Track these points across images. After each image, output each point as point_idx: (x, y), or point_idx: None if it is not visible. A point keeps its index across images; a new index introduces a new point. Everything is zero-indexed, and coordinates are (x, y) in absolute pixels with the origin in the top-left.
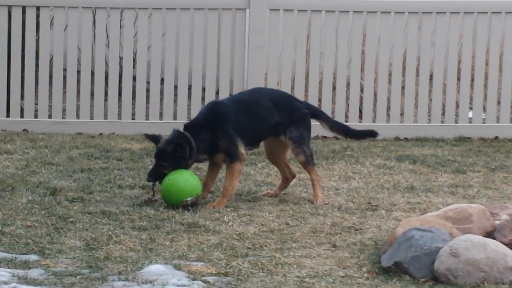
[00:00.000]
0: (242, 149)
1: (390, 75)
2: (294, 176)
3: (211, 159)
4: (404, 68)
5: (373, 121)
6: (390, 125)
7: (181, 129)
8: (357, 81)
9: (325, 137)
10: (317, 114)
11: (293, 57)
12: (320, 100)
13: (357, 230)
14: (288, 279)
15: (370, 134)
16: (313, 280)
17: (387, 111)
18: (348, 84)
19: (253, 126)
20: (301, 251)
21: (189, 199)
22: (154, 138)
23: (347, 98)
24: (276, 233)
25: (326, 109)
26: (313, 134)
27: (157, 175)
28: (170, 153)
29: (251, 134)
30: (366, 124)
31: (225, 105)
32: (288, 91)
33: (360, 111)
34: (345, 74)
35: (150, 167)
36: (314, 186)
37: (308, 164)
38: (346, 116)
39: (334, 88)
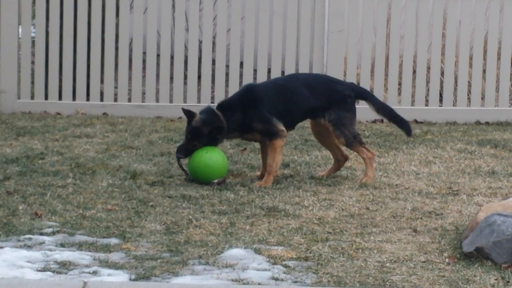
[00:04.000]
0: (280, 126)
1: (470, 58)
2: (346, 159)
3: (246, 138)
4: (485, 52)
5: (454, 105)
6: (471, 109)
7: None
8: (438, 65)
9: None
10: (364, 95)
11: (373, 41)
12: (400, 84)
13: (438, 215)
14: (369, 264)
15: (407, 129)
16: (394, 265)
17: (468, 95)
18: (428, 68)
19: (286, 109)
20: (381, 236)
21: (215, 180)
22: (189, 114)
23: (427, 81)
24: (357, 217)
25: (406, 92)
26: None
27: (187, 151)
28: (205, 134)
29: (284, 117)
30: (447, 108)
31: (259, 88)
32: (368, 75)
33: (441, 95)
34: (425, 57)
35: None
36: (366, 164)
37: (351, 144)
38: (426, 100)
39: (414, 72)
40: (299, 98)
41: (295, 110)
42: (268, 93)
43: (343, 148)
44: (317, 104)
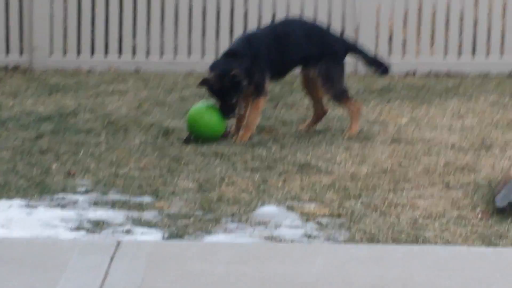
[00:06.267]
0: (268, 85)
1: (504, 9)
2: (325, 113)
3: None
4: None
5: (487, 56)
6: (504, 61)
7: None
8: (471, 15)
9: (437, 74)
10: (354, 49)
11: None
12: (432, 35)
13: (470, 169)
14: (401, 220)
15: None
16: (427, 221)
17: (501, 46)
18: (461, 19)
19: (283, 59)
20: (414, 191)
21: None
22: (205, 82)
23: (460, 32)
24: (389, 173)
25: (439, 44)
26: (432, 70)
27: (229, 108)
28: (229, 84)
29: (280, 67)
30: (479, 60)
31: (258, 38)
32: (400, 27)
33: (474, 46)
34: (459, 8)
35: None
36: (351, 118)
37: (338, 99)
38: (459, 51)
39: (447, 23)
40: (295, 46)
41: (290, 59)
42: (267, 43)
43: (324, 102)
44: (311, 54)
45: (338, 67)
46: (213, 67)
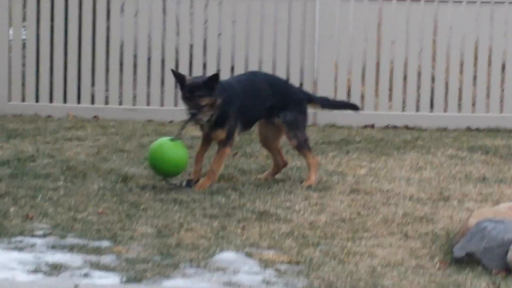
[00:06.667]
0: (236, 136)
1: (461, 65)
2: (285, 164)
3: (211, 133)
4: (476, 58)
5: (445, 111)
6: (461, 115)
7: None
8: (428, 71)
9: (395, 127)
10: (312, 99)
11: (364, 46)
12: (390, 90)
13: (429, 220)
14: (360, 268)
15: (353, 106)
16: (385, 269)
17: (459, 101)
18: (419, 74)
19: (253, 109)
20: (372, 240)
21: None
22: (180, 76)
23: (418, 87)
24: (348, 222)
25: (397, 98)
26: (390, 123)
27: (198, 107)
28: (204, 85)
29: (250, 117)
30: (437, 114)
31: (233, 87)
32: (358, 81)
33: (431, 101)
34: (416, 63)
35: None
36: (309, 169)
37: (301, 148)
38: (417, 106)
39: (405, 78)
40: (263, 95)
41: (260, 108)
42: (239, 92)
43: (283, 154)
44: (275, 103)
45: (302, 115)
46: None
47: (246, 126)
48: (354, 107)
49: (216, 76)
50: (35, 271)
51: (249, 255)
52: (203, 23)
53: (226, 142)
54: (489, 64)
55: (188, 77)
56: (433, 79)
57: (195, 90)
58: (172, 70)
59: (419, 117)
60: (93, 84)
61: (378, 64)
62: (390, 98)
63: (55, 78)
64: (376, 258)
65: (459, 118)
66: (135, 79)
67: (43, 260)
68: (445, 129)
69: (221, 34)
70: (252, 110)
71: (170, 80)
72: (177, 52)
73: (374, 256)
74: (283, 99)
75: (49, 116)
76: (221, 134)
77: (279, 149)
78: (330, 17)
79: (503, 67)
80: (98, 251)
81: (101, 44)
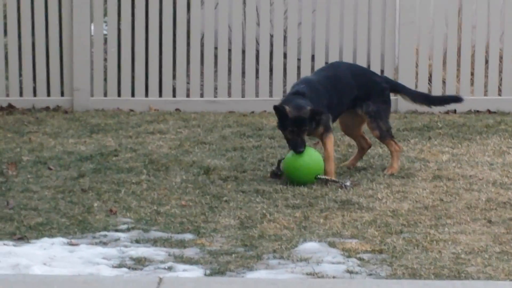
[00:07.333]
0: (331, 124)
1: None
2: (370, 146)
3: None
4: None
5: None
6: None
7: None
8: (510, 55)
9: (478, 111)
10: (397, 87)
11: (445, 32)
12: (472, 74)
13: None
14: (443, 255)
15: (454, 99)
16: (469, 256)
17: None
18: (501, 57)
19: (340, 104)
20: (456, 227)
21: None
22: (281, 109)
23: (500, 71)
24: (430, 209)
25: (479, 83)
26: (472, 108)
27: (302, 142)
28: (308, 119)
29: (337, 112)
30: None
31: (318, 82)
32: (440, 66)
33: None
34: (498, 47)
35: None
36: (392, 157)
37: (383, 137)
38: (499, 90)
39: (486, 62)
40: (348, 87)
41: (345, 101)
42: (324, 87)
43: (367, 137)
44: (359, 94)
45: (385, 105)
46: (289, 100)
47: (334, 119)
48: (456, 99)
49: (318, 111)
50: (119, 265)
51: (332, 244)
52: (283, 12)
53: (326, 133)
54: None
55: (289, 109)
56: None
57: (300, 125)
58: (274, 106)
59: (502, 101)
60: (174, 77)
61: (459, 49)
62: (472, 83)
63: (136, 72)
64: (460, 245)
65: None
66: (216, 71)
67: (127, 254)
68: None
69: (301, 23)
70: (339, 105)
71: (251, 71)
72: (257, 42)
73: (457, 243)
74: (366, 90)
75: (131, 110)
76: (318, 130)
77: (362, 134)
78: (410, 3)
79: None
80: (181, 244)
81: (182, 37)
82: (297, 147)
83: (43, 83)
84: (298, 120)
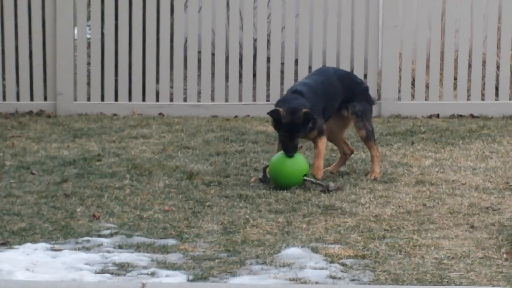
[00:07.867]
0: (324, 127)
1: None
2: (352, 152)
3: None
4: None
5: (510, 99)
6: None
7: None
8: (493, 59)
9: (460, 116)
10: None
11: (428, 36)
12: (455, 78)
13: (495, 210)
14: (426, 260)
15: None
16: (451, 261)
17: None
18: (484, 62)
19: (331, 107)
20: (438, 232)
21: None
22: (275, 113)
23: (483, 76)
24: (413, 214)
25: (462, 87)
26: (455, 112)
27: (294, 147)
28: (301, 124)
29: (328, 114)
30: (503, 102)
31: (314, 86)
32: (423, 70)
33: (497, 89)
34: (481, 51)
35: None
36: (373, 161)
37: (368, 139)
38: (482, 94)
39: (469, 66)
40: (337, 91)
41: (334, 105)
42: (321, 90)
43: (349, 142)
44: (345, 97)
45: (369, 105)
46: (285, 101)
47: (325, 121)
48: None
49: (311, 115)
50: (102, 271)
51: (315, 250)
52: (266, 16)
53: (320, 136)
54: None
55: (283, 112)
56: (498, 67)
57: (294, 131)
58: (269, 112)
59: (485, 106)
60: (157, 81)
61: (442, 53)
62: (455, 87)
63: (120, 76)
64: (442, 250)
65: None
66: (199, 75)
67: (110, 259)
68: (510, 117)
69: (285, 27)
70: (330, 109)
71: (234, 75)
72: (241, 46)
73: (440, 248)
74: (351, 91)
75: (114, 115)
76: (313, 134)
77: (344, 139)
78: (393, 7)
79: None
80: (164, 249)
81: (165, 41)
82: (289, 152)
83: (26, 87)
84: (291, 125)
